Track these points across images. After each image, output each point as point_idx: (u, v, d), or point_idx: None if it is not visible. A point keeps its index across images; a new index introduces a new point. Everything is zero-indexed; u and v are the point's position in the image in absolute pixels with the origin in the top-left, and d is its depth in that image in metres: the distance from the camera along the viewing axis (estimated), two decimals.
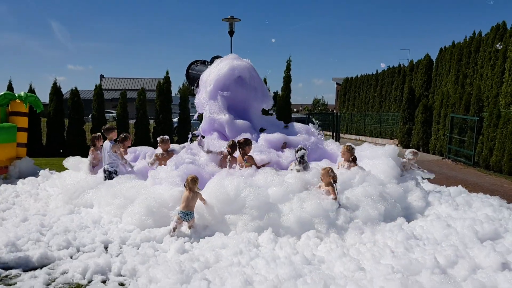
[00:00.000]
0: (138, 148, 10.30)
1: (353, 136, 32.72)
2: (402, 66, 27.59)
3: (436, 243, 5.78)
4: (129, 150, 9.82)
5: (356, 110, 33.76)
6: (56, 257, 5.52)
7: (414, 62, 25.88)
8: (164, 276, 4.55)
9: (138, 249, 5.74)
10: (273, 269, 4.83)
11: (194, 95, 10.98)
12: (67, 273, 5.10)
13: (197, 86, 10.27)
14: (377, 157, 8.36)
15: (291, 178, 6.98)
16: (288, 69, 18.09)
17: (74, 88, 17.42)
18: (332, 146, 9.87)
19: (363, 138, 30.83)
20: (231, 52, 20.98)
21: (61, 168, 11.40)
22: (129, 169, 8.62)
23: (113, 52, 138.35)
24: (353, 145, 8.24)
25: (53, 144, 17.12)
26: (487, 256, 4.99)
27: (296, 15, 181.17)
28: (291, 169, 7.80)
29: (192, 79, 11.15)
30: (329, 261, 5.27)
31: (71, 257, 5.61)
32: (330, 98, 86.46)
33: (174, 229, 6.25)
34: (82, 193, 7.96)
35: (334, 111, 53.70)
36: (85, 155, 16.76)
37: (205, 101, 9.65)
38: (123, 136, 9.43)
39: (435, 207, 7.48)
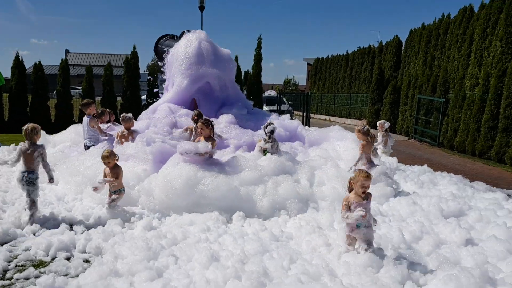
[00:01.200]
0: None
1: (323, 117, 32.98)
2: (372, 47, 27.80)
3: (401, 220, 5.90)
4: None
5: (327, 90, 33.95)
6: (18, 234, 5.36)
7: (384, 44, 26.09)
8: (131, 253, 4.47)
9: (103, 226, 5.62)
10: (240, 245, 4.82)
11: (162, 71, 10.77)
12: (29, 250, 4.96)
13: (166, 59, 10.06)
14: (346, 138, 8.44)
15: (265, 160, 6.93)
16: (259, 47, 17.96)
17: (37, 62, 16.78)
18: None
19: (332, 118, 31.13)
20: (201, 28, 20.69)
21: None
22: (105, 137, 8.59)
23: (79, 26, 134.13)
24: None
25: (15, 119, 16.52)
26: (453, 232, 5.12)
27: None
28: (260, 146, 7.74)
29: (161, 54, 10.89)
30: (298, 237, 5.30)
31: (34, 234, 5.46)
32: (301, 79, 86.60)
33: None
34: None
35: (305, 91, 53.95)
36: (49, 131, 16.41)
37: (175, 76, 9.47)
38: (100, 111, 9.24)
39: (401, 185, 7.62)
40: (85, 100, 8.93)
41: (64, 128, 16.28)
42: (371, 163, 7.26)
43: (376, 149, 8.61)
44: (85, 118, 8.57)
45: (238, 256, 4.36)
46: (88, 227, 5.64)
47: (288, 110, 24.78)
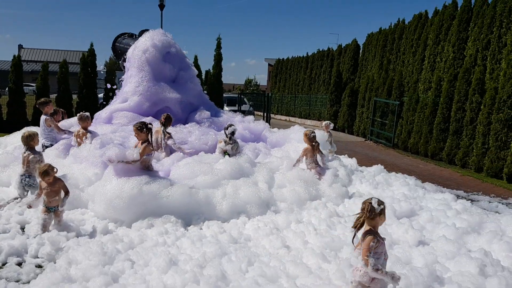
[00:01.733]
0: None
1: (284, 117, 33.28)
2: (331, 50, 28.28)
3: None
4: None
5: (287, 91, 34.28)
6: None
7: (343, 47, 26.61)
8: (85, 257, 4.37)
9: (57, 230, 5.45)
10: (198, 248, 4.82)
11: (121, 70, 10.56)
12: None
13: (124, 60, 9.88)
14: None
15: (222, 164, 6.94)
16: (218, 47, 17.93)
17: None
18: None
19: (292, 119, 31.46)
20: (161, 26, 20.43)
21: None
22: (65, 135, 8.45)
23: (33, 20, 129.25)
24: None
25: None
26: (406, 233, 5.30)
27: None
28: (220, 148, 7.76)
29: (119, 53, 10.69)
30: (256, 239, 5.35)
31: None
32: (262, 79, 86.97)
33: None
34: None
35: (266, 91, 54.26)
36: (1, 130, 15.80)
37: (132, 77, 9.32)
38: (53, 110, 8.93)
39: (357, 186, 7.83)
40: (42, 99, 8.72)
41: (17, 127, 15.75)
42: (319, 167, 7.51)
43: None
44: (42, 117, 8.42)
45: (196, 260, 4.36)
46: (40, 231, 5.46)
47: (249, 111, 24.86)
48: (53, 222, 5.49)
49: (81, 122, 8.25)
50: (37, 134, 6.78)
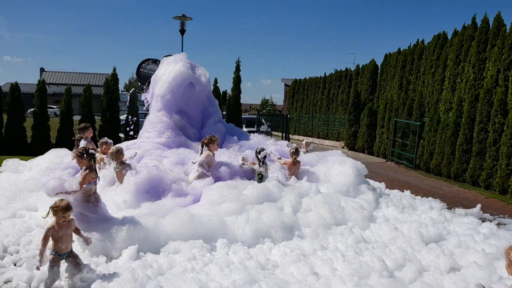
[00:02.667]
0: None
1: (301, 137, 33.24)
2: (348, 70, 28.37)
3: (384, 246, 6.01)
4: None
5: (304, 111, 34.35)
6: None
7: (360, 67, 26.68)
8: (117, 285, 4.42)
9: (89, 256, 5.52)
10: (227, 275, 4.82)
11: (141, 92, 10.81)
12: (11, 281, 4.85)
13: (148, 85, 10.08)
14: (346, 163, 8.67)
15: (250, 189, 6.98)
16: (237, 69, 18.15)
17: (14, 83, 16.53)
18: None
19: (310, 139, 31.44)
20: (182, 51, 20.80)
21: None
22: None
23: (54, 44, 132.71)
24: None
25: None
26: (437, 258, 5.23)
27: (245, 14, 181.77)
28: (254, 169, 7.88)
29: (143, 78, 10.92)
30: (283, 265, 5.33)
31: (15, 265, 5.34)
32: (278, 98, 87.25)
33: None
34: (23, 196, 7.54)
35: (282, 111, 54.42)
36: (25, 153, 16.14)
37: (155, 101, 9.50)
38: (83, 125, 9.18)
39: (383, 210, 7.77)
40: (82, 125, 9.04)
41: (41, 150, 16.07)
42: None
43: None
44: (83, 142, 8.66)
45: None
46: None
47: (267, 131, 24.95)
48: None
49: (101, 147, 8.27)
50: (122, 149, 7.52)
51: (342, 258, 5.39)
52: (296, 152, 8.57)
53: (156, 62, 10.95)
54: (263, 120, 29.25)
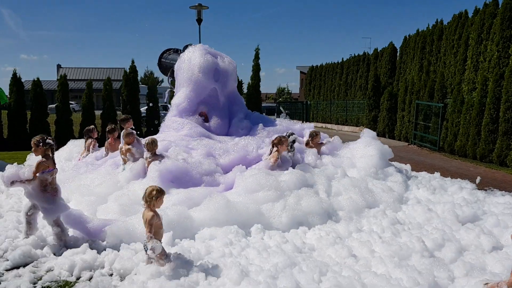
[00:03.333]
0: None
1: (319, 124, 33.06)
2: (366, 54, 28.02)
3: (420, 227, 5.94)
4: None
5: (322, 98, 34.10)
6: (39, 254, 5.32)
7: (379, 50, 26.32)
8: (162, 270, 4.45)
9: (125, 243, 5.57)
10: (266, 259, 4.82)
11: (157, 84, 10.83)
12: (52, 270, 4.93)
13: (171, 75, 10.07)
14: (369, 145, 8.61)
15: (288, 175, 6.93)
16: (256, 57, 18.05)
17: (36, 79, 16.71)
18: None
19: (329, 125, 31.24)
20: (199, 40, 20.76)
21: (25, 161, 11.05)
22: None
23: (69, 40, 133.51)
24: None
25: (15, 137, 16.44)
26: (477, 238, 5.16)
27: (258, 3, 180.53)
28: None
29: (165, 68, 10.92)
30: (320, 248, 5.31)
31: (54, 254, 5.42)
32: (292, 87, 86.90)
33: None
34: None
35: (298, 99, 54.15)
36: None
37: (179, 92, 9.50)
38: (112, 127, 9.43)
39: (414, 191, 7.68)
40: (123, 116, 9.30)
41: (64, 144, 16.30)
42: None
43: None
44: (124, 133, 8.59)
45: (268, 271, 4.36)
46: (108, 246, 5.59)
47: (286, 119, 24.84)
48: None
49: (126, 138, 8.12)
50: (157, 140, 7.62)
51: (380, 240, 5.35)
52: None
53: (177, 51, 10.92)
54: (281, 108, 29.16)
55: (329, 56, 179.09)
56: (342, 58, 31.55)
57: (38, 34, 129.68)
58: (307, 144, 8.66)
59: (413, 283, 4.17)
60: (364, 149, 8.43)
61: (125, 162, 7.99)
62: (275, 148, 7.51)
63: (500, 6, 14.62)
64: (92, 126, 9.96)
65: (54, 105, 24.13)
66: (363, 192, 6.79)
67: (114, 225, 5.68)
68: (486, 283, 3.87)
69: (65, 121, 16.89)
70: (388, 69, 24.39)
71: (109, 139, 9.29)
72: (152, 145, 7.47)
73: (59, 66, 69.88)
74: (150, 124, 17.55)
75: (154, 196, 4.67)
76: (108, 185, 7.20)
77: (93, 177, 7.61)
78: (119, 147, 8.36)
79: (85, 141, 9.76)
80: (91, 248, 5.52)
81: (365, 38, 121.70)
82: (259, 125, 9.48)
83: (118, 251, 5.31)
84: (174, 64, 10.05)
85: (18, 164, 10.51)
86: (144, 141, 7.88)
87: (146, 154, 7.59)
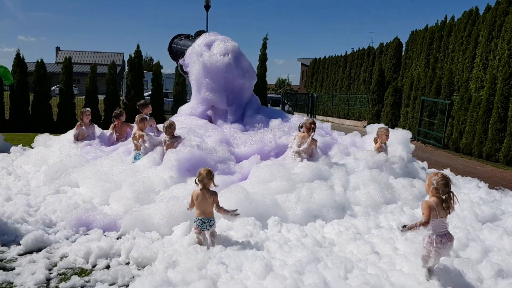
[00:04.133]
0: None
1: (320, 117, 32.93)
2: (371, 48, 27.85)
3: None
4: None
5: (324, 91, 33.96)
6: (52, 239, 5.18)
7: (384, 45, 26.16)
8: (182, 261, 4.33)
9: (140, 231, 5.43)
10: (288, 253, 4.70)
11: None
12: (67, 256, 4.79)
13: (183, 60, 9.86)
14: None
15: (301, 167, 6.80)
16: (264, 47, 17.86)
17: (39, 60, 16.45)
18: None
19: (330, 119, 31.12)
20: (207, 27, 20.48)
21: (29, 144, 10.93)
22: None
23: (68, 23, 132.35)
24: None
25: (17, 119, 16.21)
26: (500, 239, 5.06)
27: None
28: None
29: (175, 54, 10.71)
30: (340, 243, 5.20)
31: (67, 239, 5.29)
32: (292, 78, 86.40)
33: (200, 243, 4.95)
34: (66, 172, 7.50)
35: (298, 91, 53.91)
36: (52, 130, 16.13)
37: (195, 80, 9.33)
38: (118, 111, 9.57)
39: None
40: (142, 101, 9.22)
41: (67, 128, 16.08)
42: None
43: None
44: (137, 118, 8.52)
45: (293, 266, 4.24)
46: (124, 233, 5.46)
47: (288, 111, 24.69)
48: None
49: (139, 124, 8.01)
50: (175, 123, 7.67)
51: (402, 237, 5.23)
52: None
53: (189, 37, 10.71)
54: (284, 100, 29.01)
55: (329, 49, 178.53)
56: (346, 52, 31.46)
57: (36, 15, 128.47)
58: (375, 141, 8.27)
59: (443, 283, 4.07)
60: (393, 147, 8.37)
61: (137, 148, 7.88)
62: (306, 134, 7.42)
63: None
64: (121, 109, 9.90)
65: (53, 88, 23.88)
66: (382, 188, 6.66)
67: (130, 215, 5.54)
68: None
69: (68, 105, 16.65)
70: (393, 64, 24.26)
71: (116, 122, 9.54)
72: (171, 128, 7.53)
73: (58, 49, 69.17)
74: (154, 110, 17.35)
75: (212, 177, 5.01)
76: (121, 172, 7.06)
77: (107, 164, 7.48)
78: (133, 132, 8.23)
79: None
80: (106, 235, 5.41)
81: (367, 32, 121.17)
82: (277, 119, 9.35)
83: (134, 239, 5.18)
84: (186, 49, 9.85)
85: (23, 146, 10.56)
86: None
87: (165, 137, 7.60)
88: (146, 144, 7.79)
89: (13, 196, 6.64)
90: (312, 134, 7.34)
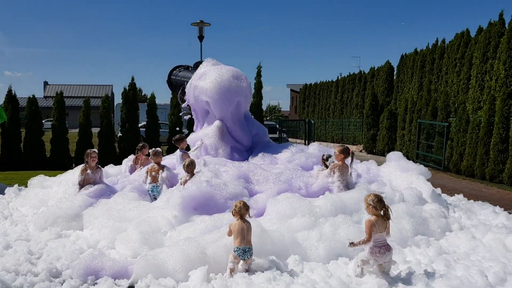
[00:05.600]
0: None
1: (313, 142, 32.87)
2: (362, 72, 28.01)
3: (467, 257, 5.55)
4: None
5: (316, 116, 33.96)
6: None
7: (375, 69, 26.31)
8: None
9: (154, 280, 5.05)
10: None
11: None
12: None
13: (183, 94, 9.64)
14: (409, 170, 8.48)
15: (322, 199, 6.50)
16: (258, 75, 17.79)
17: (31, 96, 16.14)
18: None
19: (324, 143, 30.97)
20: (201, 57, 20.39)
21: (22, 182, 10.48)
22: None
23: (56, 58, 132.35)
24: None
25: (9, 156, 15.76)
26: None
27: (244, 22, 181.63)
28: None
29: (175, 86, 10.49)
30: (368, 282, 4.85)
31: None
32: (281, 104, 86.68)
33: (232, 271, 5.04)
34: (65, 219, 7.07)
35: (288, 117, 54.02)
36: (45, 167, 15.71)
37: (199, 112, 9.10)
38: (141, 144, 9.47)
39: (452, 216, 7.28)
40: (177, 136, 9.19)
41: (61, 164, 15.70)
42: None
43: None
44: (178, 153, 8.95)
45: None
46: (135, 280, 5.07)
47: (283, 138, 24.50)
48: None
49: (154, 157, 8.25)
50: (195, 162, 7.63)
51: (434, 273, 4.92)
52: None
53: (188, 68, 10.52)
54: (277, 126, 28.86)
55: (317, 75, 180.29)
56: (338, 77, 31.65)
57: (22, 51, 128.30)
58: None
59: None
60: (404, 173, 8.15)
61: (154, 180, 8.02)
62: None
63: (507, 25, 14.57)
64: (144, 143, 9.68)
65: (44, 122, 23.47)
66: (415, 219, 6.32)
67: (143, 260, 5.16)
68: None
69: (61, 140, 16.26)
70: (385, 87, 24.35)
71: (139, 155, 9.39)
72: (192, 166, 7.44)
73: (46, 83, 68.95)
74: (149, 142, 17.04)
75: (248, 208, 5.30)
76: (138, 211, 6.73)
77: (120, 201, 7.16)
78: (151, 165, 8.32)
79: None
80: (116, 284, 5.02)
81: (354, 57, 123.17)
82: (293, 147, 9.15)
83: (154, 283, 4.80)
84: (186, 81, 9.64)
85: (19, 186, 10.12)
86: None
87: (185, 175, 7.46)
88: (163, 175, 7.96)
89: (12, 242, 6.21)
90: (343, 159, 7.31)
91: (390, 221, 4.98)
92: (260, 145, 9.44)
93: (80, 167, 8.36)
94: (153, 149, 8.34)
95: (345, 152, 7.26)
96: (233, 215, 5.22)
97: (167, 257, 5.16)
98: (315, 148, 9.41)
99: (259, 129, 9.76)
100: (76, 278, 5.08)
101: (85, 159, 8.15)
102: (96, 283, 5.01)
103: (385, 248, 4.88)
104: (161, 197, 7.34)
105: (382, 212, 4.90)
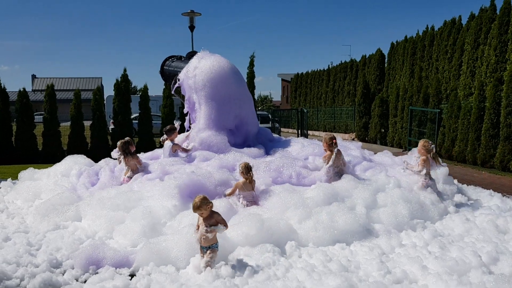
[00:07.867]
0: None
1: (310, 131, 32.95)
2: (354, 61, 28.05)
3: (461, 239, 5.66)
4: None
5: (308, 105, 34.01)
6: (61, 281, 4.80)
7: (366, 57, 26.36)
8: None
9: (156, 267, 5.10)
10: (318, 281, 4.42)
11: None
12: None
13: (175, 83, 9.60)
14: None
15: (314, 190, 6.54)
16: (251, 64, 17.75)
17: (22, 89, 15.99)
18: None
19: (316, 133, 31.10)
20: (192, 47, 20.27)
21: (14, 176, 10.39)
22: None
23: (42, 51, 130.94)
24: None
25: (0, 151, 15.64)
26: None
27: (234, 12, 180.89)
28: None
29: (168, 76, 10.45)
30: (367, 266, 4.92)
31: (77, 280, 4.91)
32: (272, 94, 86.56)
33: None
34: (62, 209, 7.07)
35: (280, 107, 54.06)
36: (37, 161, 15.60)
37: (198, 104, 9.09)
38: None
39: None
40: (169, 126, 8.94)
41: (53, 157, 15.59)
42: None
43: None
44: (168, 144, 8.63)
45: None
46: (137, 269, 5.12)
47: (276, 128, 24.56)
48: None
49: (170, 134, 8.73)
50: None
51: (429, 255, 5.02)
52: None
53: (181, 58, 10.47)
54: (269, 116, 28.89)
55: (308, 64, 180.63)
56: (329, 65, 31.60)
57: (8, 44, 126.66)
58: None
59: None
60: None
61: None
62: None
63: (498, 11, 14.65)
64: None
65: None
66: (412, 205, 6.40)
67: (146, 248, 5.21)
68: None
69: (53, 133, 16.16)
70: (377, 75, 24.43)
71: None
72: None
73: (34, 77, 68.23)
74: (142, 134, 16.98)
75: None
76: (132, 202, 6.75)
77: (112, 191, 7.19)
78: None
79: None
80: (117, 273, 5.06)
81: (345, 45, 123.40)
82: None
83: (150, 275, 4.85)
84: (179, 71, 9.60)
85: (13, 180, 10.06)
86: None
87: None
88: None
89: (10, 235, 6.22)
90: (335, 149, 7.33)
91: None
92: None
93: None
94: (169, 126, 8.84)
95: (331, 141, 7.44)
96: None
97: (171, 245, 5.20)
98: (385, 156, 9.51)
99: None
100: (78, 268, 5.12)
101: (130, 148, 8.04)
102: (97, 273, 5.04)
103: None
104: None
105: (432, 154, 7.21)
